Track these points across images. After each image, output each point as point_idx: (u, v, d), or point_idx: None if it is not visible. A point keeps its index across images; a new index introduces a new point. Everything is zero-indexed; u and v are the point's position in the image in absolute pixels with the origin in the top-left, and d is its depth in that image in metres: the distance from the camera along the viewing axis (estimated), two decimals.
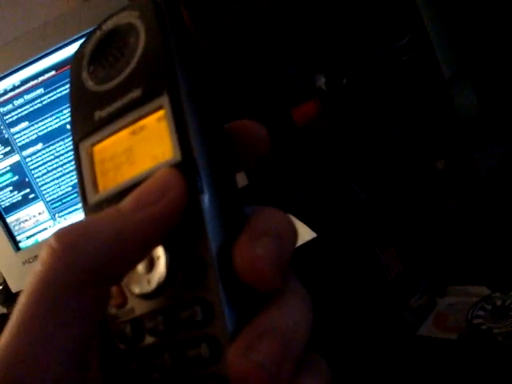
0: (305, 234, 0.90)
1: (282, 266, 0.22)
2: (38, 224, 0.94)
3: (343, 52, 1.26)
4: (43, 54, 0.90)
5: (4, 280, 0.97)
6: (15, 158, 0.92)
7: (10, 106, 0.91)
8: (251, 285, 0.22)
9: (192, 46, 0.24)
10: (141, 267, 0.23)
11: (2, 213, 0.93)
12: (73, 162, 0.26)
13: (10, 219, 0.94)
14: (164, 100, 0.23)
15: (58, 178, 0.92)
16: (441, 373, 0.92)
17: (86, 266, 0.20)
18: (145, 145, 0.24)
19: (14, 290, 0.94)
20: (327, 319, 0.85)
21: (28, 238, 0.94)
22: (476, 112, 1.40)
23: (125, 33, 0.25)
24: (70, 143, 0.26)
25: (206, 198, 0.22)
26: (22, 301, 0.20)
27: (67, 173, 0.92)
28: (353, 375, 0.88)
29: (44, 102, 0.91)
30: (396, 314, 1.05)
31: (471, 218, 1.20)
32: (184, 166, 0.22)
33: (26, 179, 0.92)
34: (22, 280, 0.93)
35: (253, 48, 1.23)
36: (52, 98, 0.91)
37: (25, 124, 0.91)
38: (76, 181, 0.26)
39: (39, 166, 0.92)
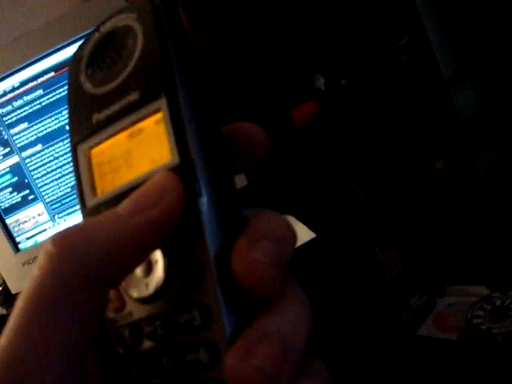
0: (304, 234, 0.90)
1: (281, 269, 0.22)
2: (38, 225, 0.94)
3: (342, 52, 1.26)
4: (42, 55, 0.90)
5: (3, 281, 0.97)
6: (15, 159, 0.92)
7: (9, 107, 0.91)
8: (250, 289, 0.21)
9: (190, 48, 0.24)
10: (139, 271, 0.23)
11: (2, 214, 0.93)
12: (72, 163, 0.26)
13: (9, 220, 0.94)
14: (162, 103, 0.23)
15: (57, 179, 0.92)
16: (441, 373, 0.92)
17: (83, 270, 0.20)
18: (143, 148, 0.23)
19: (13, 291, 0.94)
20: (326, 320, 0.85)
21: (28, 239, 0.94)
22: (475, 112, 1.40)
23: (123, 35, 0.25)
24: (70, 144, 0.26)
25: (204, 202, 0.22)
26: (19, 305, 0.20)
27: (67, 174, 0.92)
28: (353, 376, 0.88)
29: (43, 103, 0.91)
30: (395, 314, 1.05)
31: (470, 218, 1.20)
32: (182, 169, 0.22)
33: (26, 180, 0.92)
34: (22, 281, 0.93)
35: (252, 48, 1.23)
36: (51, 99, 0.91)
37: (24, 125, 0.91)
38: (75, 181, 0.26)
39: (39, 167, 0.92)
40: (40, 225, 0.94)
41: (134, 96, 0.23)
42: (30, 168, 0.92)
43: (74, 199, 0.92)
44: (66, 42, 0.90)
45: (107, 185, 0.24)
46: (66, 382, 0.20)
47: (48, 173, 0.92)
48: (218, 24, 1.13)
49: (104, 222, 0.21)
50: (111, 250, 0.21)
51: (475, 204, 1.21)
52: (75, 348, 0.20)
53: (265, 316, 0.21)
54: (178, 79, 0.23)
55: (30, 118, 0.91)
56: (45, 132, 0.91)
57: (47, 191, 0.92)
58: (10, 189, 0.92)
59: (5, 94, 0.91)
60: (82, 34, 0.89)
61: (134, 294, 0.23)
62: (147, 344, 0.23)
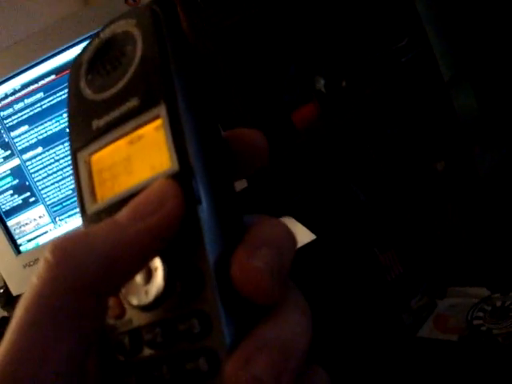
0: (304, 235, 0.90)
1: (281, 277, 0.22)
2: (39, 227, 0.94)
3: (342, 54, 1.26)
4: (43, 58, 0.90)
5: (5, 283, 0.97)
6: (15, 162, 0.92)
7: (10, 110, 0.91)
8: (250, 297, 0.21)
9: (190, 54, 0.24)
10: (139, 278, 0.23)
11: (3, 216, 0.94)
12: (72, 170, 0.26)
13: (10, 223, 0.94)
14: (161, 109, 0.23)
15: (58, 182, 0.92)
16: (441, 374, 0.92)
17: (82, 278, 0.20)
18: (142, 154, 0.23)
19: (14, 293, 0.95)
20: (327, 321, 0.86)
21: (29, 241, 0.95)
22: (475, 114, 1.40)
23: (122, 41, 0.25)
24: (70, 151, 0.26)
25: (203, 209, 0.22)
26: (18, 314, 0.20)
27: (67, 176, 0.92)
28: (353, 377, 0.88)
29: (44, 106, 0.91)
30: (396, 315, 1.05)
31: (471, 220, 1.21)
32: (181, 176, 0.22)
33: (27, 183, 0.92)
34: (23, 283, 0.93)
35: (252, 51, 1.23)
36: (52, 102, 0.91)
37: (25, 128, 0.91)
38: (75, 188, 0.26)
39: (39, 169, 0.92)
40: (41, 227, 0.94)
41: (133, 102, 0.23)
42: (31, 170, 0.92)
43: (74, 201, 0.92)
44: (66, 45, 0.90)
45: (107, 191, 0.24)
46: None
47: (49, 175, 0.92)
48: (217, 27, 1.14)
49: (103, 230, 0.21)
50: (110, 257, 0.20)
51: (475, 205, 1.21)
52: (74, 356, 0.20)
53: (265, 324, 0.21)
54: (177, 85, 0.23)
55: (31, 120, 0.91)
56: (45, 134, 0.91)
57: (48, 193, 0.92)
58: (10, 191, 0.93)
59: (6, 96, 0.91)
60: (82, 37, 0.89)
61: (134, 301, 0.23)
62: (147, 351, 0.22)
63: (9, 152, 0.92)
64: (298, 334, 0.22)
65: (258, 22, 1.20)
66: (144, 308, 0.23)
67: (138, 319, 0.23)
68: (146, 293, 0.22)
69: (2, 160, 0.92)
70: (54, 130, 0.91)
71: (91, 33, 0.88)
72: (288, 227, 0.23)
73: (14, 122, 0.91)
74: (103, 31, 0.26)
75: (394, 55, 1.23)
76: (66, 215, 0.93)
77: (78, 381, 0.20)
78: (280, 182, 1.15)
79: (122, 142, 0.24)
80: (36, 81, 0.91)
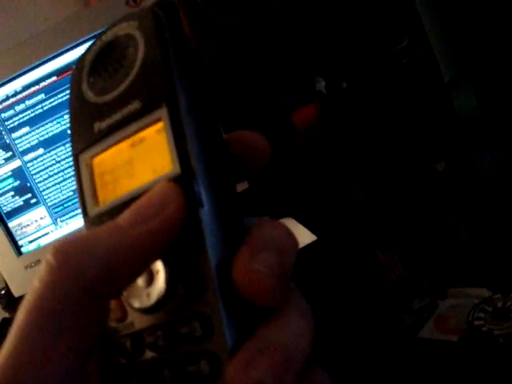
0: (305, 237, 0.90)
1: (283, 280, 0.22)
2: (40, 229, 0.94)
3: (343, 55, 1.26)
4: (44, 59, 0.90)
5: (6, 284, 0.97)
6: (17, 163, 0.92)
7: (11, 112, 0.91)
8: (251, 300, 0.21)
9: (192, 57, 0.24)
10: (140, 281, 0.23)
11: (4, 218, 0.94)
12: (74, 172, 0.26)
13: (11, 224, 0.94)
14: (162, 112, 0.23)
15: (59, 183, 0.92)
16: (442, 374, 0.92)
17: (83, 281, 0.20)
18: (144, 157, 0.23)
19: (16, 294, 0.95)
20: (328, 322, 0.86)
21: (30, 242, 0.95)
22: (476, 114, 1.40)
23: (124, 44, 0.25)
24: (71, 153, 0.26)
25: (205, 212, 0.22)
26: (19, 317, 0.20)
27: (68, 177, 0.92)
28: (354, 377, 0.88)
29: (45, 108, 0.91)
30: (397, 316, 1.05)
31: (471, 220, 1.21)
32: (183, 179, 0.22)
33: (28, 184, 0.93)
34: (24, 284, 0.93)
35: (253, 52, 1.24)
36: (53, 104, 0.91)
37: (26, 129, 0.91)
38: (77, 191, 0.26)
39: (40, 171, 0.92)
40: (42, 228, 0.94)
41: (135, 105, 0.23)
42: (32, 172, 0.92)
43: (75, 203, 0.93)
44: (68, 47, 0.90)
45: (109, 194, 0.24)
46: None
47: (50, 176, 0.92)
48: (218, 28, 1.14)
49: (105, 233, 0.21)
50: (112, 261, 0.20)
51: (476, 206, 1.21)
52: (76, 359, 0.20)
53: (266, 327, 0.21)
54: (179, 88, 0.23)
55: (32, 122, 0.91)
56: (46, 136, 0.91)
57: (49, 195, 0.93)
58: (12, 192, 0.93)
59: (7, 98, 0.91)
60: (83, 39, 0.89)
61: (136, 304, 0.23)
62: (149, 354, 0.22)
63: (10, 153, 0.92)
64: (299, 337, 0.21)
65: (258, 23, 1.20)
66: (146, 311, 0.23)
67: (139, 322, 0.23)
68: (148, 295, 0.22)
69: (4, 161, 0.92)
70: (55, 132, 0.91)
71: (92, 34, 0.88)
72: (289, 229, 0.23)
73: (16, 123, 0.91)
74: (105, 33, 0.26)
75: (395, 56, 1.23)
76: (67, 216, 0.94)
77: (79, 381, 0.20)
78: (281, 183, 1.15)
79: (123, 145, 0.24)
80: (37, 82, 0.91)
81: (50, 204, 0.93)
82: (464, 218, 1.22)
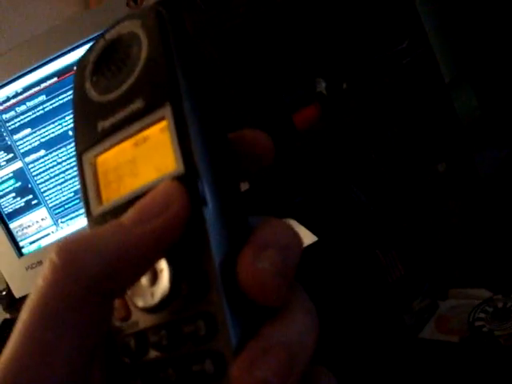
0: (306, 237, 0.90)
1: (287, 279, 0.22)
2: (41, 230, 0.94)
3: (343, 56, 1.26)
4: (45, 60, 0.91)
5: (7, 285, 0.97)
6: (18, 165, 0.92)
7: (12, 113, 0.92)
8: (255, 298, 0.21)
9: (195, 56, 0.24)
10: (144, 280, 0.23)
11: (5, 219, 0.94)
12: (75, 168, 0.26)
13: (13, 225, 0.94)
14: (166, 111, 0.23)
15: (60, 184, 0.92)
16: (443, 375, 0.92)
17: (87, 280, 0.20)
18: (148, 156, 0.23)
19: (17, 295, 0.95)
20: (329, 323, 0.86)
21: (31, 243, 0.95)
22: (476, 115, 1.40)
23: (127, 42, 0.25)
24: (72, 149, 0.26)
25: (209, 211, 0.22)
26: (23, 316, 0.20)
27: (69, 179, 0.92)
28: (355, 378, 0.88)
29: (46, 109, 0.91)
30: (398, 316, 1.05)
31: (472, 221, 1.21)
32: (187, 178, 0.22)
33: (29, 185, 0.93)
34: (25, 285, 0.93)
35: (254, 53, 1.24)
36: (54, 105, 0.91)
37: (27, 131, 0.91)
38: (78, 186, 0.26)
39: (42, 172, 0.92)
40: (43, 229, 0.94)
41: (138, 104, 0.23)
42: (34, 173, 0.92)
43: (77, 204, 0.93)
44: (68, 48, 0.90)
45: (112, 193, 0.24)
46: None
47: (51, 178, 0.92)
48: (219, 29, 1.14)
49: (108, 232, 0.21)
50: (115, 260, 0.21)
51: (477, 206, 1.21)
52: (79, 358, 0.20)
53: (270, 326, 0.21)
54: (182, 87, 0.23)
55: (33, 123, 0.91)
56: (48, 137, 0.91)
57: (50, 196, 0.93)
58: (13, 194, 0.93)
59: (8, 99, 0.92)
60: (84, 40, 0.90)
61: (140, 303, 0.23)
62: (153, 354, 0.22)
63: (11, 155, 0.92)
64: (304, 335, 0.22)
65: (258, 24, 1.20)
66: (150, 310, 0.23)
67: (143, 321, 0.23)
68: (152, 295, 0.22)
69: (5, 163, 0.92)
70: (56, 133, 0.91)
71: (93, 35, 0.88)
72: (293, 228, 0.23)
73: (17, 124, 0.91)
74: (108, 32, 0.26)
75: (395, 57, 1.23)
76: (68, 217, 0.94)
77: (82, 381, 0.21)
78: (281, 184, 1.15)
79: (127, 144, 0.24)
80: (38, 83, 0.91)
81: (51, 205, 0.93)
82: (465, 218, 1.22)
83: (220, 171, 0.23)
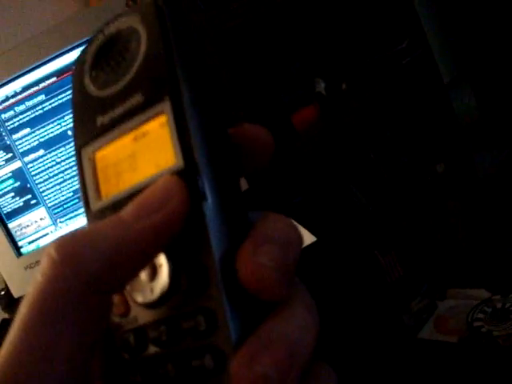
0: (305, 238, 0.90)
1: (287, 274, 0.22)
2: (40, 229, 0.94)
3: (342, 57, 1.26)
4: (44, 60, 0.91)
5: (6, 285, 0.97)
6: (17, 164, 0.92)
7: (11, 113, 0.91)
8: (255, 293, 0.21)
9: (195, 50, 0.24)
10: (144, 275, 0.23)
11: (4, 218, 0.94)
12: (74, 168, 0.26)
13: (11, 225, 0.94)
14: (165, 105, 0.22)
15: (59, 184, 0.92)
16: (441, 376, 0.92)
17: (86, 275, 0.20)
18: (147, 151, 0.23)
19: (15, 295, 0.95)
20: (328, 323, 0.86)
21: (30, 243, 0.95)
22: (475, 116, 1.40)
23: (126, 37, 0.25)
24: (72, 149, 0.26)
25: (208, 205, 0.22)
26: (22, 311, 0.20)
27: (68, 178, 0.92)
28: (353, 379, 0.88)
29: (45, 109, 0.91)
30: (396, 317, 1.05)
31: (471, 221, 1.21)
32: (186, 172, 0.22)
33: (28, 185, 0.93)
34: (24, 285, 0.93)
35: (253, 53, 1.24)
36: (53, 105, 0.91)
37: (26, 130, 0.91)
38: (77, 186, 0.26)
39: (41, 172, 0.92)
40: (42, 229, 0.94)
41: (138, 99, 0.23)
42: (33, 173, 0.92)
43: (76, 203, 0.93)
44: (67, 48, 0.90)
45: (112, 188, 0.24)
46: None
47: (50, 177, 0.92)
48: (218, 29, 1.14)
49: (107, 227, 0.21)
50: (114, 254, 0.20)
51: (476, 207, 1.21)
52: (78, 354, 0.20)
53: (271, 321, 0.21)
54: (182, 81, 0.22)
55: (32, 123, 0.91)
56: (47, 137, 0.91)
57: (49, 196, 0.93)
58: (12, 193, 0.93)
59: (7, 99, 0.91)
60: (83, 40, 0.90)
61: (139, 298, 0.23)
62: (152, 349, 0.22)
63: (10, 154, 0.92)
64: (304, 331, 0.21)
65: (258, 24, 1.20)
66: (149, 305, 0.23)
67: (143, 317, 0.23)
68: (151, 290, 0.22)
69: (4, 162, 0.92)
70: (55, 133, 0.91)
71: (92, 35, 0.88)
72: (293, 223, 0.23)
73: (16, 124, 0.91)
74: (107, 27, 0.26)
75: (394, 57, 1.23)
76: (67, 217, 0.94)
77: (81, 380, 0.20)
78: (280, 185, 1.15)
79: (126, 139, 0.24)
80: (37, 83, 0.91)
81: (49, 205, 0.93)
82: (463, 219, 1.22)
83: (220, 166, 0.23)
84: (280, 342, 0.20)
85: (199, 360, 0.21)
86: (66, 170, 0.92)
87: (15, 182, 0.92)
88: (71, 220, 0.93)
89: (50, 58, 0.90)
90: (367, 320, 0.98)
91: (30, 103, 0.91)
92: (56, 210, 0.93)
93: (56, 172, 0.92)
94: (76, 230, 0.22)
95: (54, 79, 0.91)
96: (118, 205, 0.23)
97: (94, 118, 0.25)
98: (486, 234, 1.16)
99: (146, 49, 0.24)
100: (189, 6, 0.25)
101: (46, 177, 0.92)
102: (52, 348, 0.19)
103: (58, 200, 0.93)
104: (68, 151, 0.91)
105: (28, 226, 0.94)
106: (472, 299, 1.02)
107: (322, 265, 0.94)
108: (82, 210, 0.25)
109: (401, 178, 1.25)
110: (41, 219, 0.94)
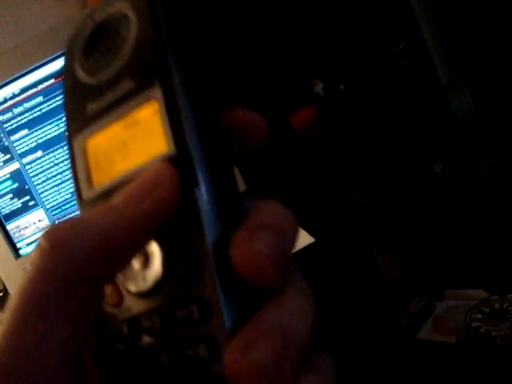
0: (303, 238, 0.90)
1: (282, 261, 0.21)
2: (38, 231, 0.94)
3: (340, 58, 1.27)
4: (42, 62, 0.91)
5: (4, 287, 0.97)
6: (15, 166, 0.92)
7: (9, 114, 0.91)
8: (250, 281, 0.21)
9: (187, 35, 0.23)
10: (136, 264, 0.22)
11: (2, 220, 0.94)
12: (68, 155, 0.25)
13: (10, 226, 0.94)
14: (156, 91, 0.22)
15: (57, 185, 0.92)
16: (440, 376, 0.92)
17: (75, 263, 0.20)
18: (138, 138, 0.23)
19: None
20: (326, 324, 0.86)
21: (28, 245, 0.95)
22: (473, 116, 1.40)
23: (116, 23, 0.24)
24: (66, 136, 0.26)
25: (201, 192, 0.21)
26: (12, 302, 0.20)
27: (67, 180, 0.92)
28: (353, 379, 0.88)
29: (43, 110, 0.91)
30: (395, 318, 1.05)
31: (469, 222, 1.21)
32: (178, 159, 0.21)
33: (26, 186, 0.93)
34: None
35: (251, 54, 1.24)
36: (51, 106, 0.91)
37: (24, 132, 0.91)
38: (71, 173, 0.25)
39: (39, 173, 0.92)
40: (40, 231, 0.94)
41: (128, 85, 0.23)
42: (31, 174, 0.92)
43: (74, 205, 0.93)
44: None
45: (103, 176, 0.24)
46: (61, 378, 0.19)
47: (48, 179, 0.92)
48: (216, 30, 1.14)
49: (98, 215, 0.21)
50: (104, 242, 0.20)
51: (473, 207, 1.22)
52: (70, 344, 0.20)
53: (266, 309, 0.21)
54: (173, 67, 0.22)
55: (31, 124, 0.91)
56: (45, 138, 0.91)
57: (48, 197, 0.93)
58: (10, 195, 0.93)
59: (5, 100, 0.91)
60: None
61: (132, 287, 0.22)
62: (146, 339, 0.22)
63: (8, 156, 0.92)
64: (300, 318, 0.21)
65: (256, 25, 1.20)
66: (142, 295, 0.22)
67: (136, 307, 0.23)
68: (144, 279, 0.22)
69: (2, 164, 0.92)
70: (53, 134, 0.91)
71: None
72: (289, 210, 0.23)
73: (14, 125, 0.91)
74: (97, 12, 0.25)
75: (392, 58, 1.24)
76: (65, 219, 0.93)
77: (75, 370, 0.20)
78: (278, 185, 1.15)
79: (117, 126, 0.23)
80: (35, 85, 0.91)
81: (48, 206, 0.93)
82: (461, 219, 1.22)
83: (212, 152, 0.22)
84: (275, 329, 0.20)
85: (193, 349, 0.20)
86: (64, 171, 0.92)
87: (13, 183, 0.92)
88: None
89: (47, 59, 0.91)
90: (366, 321, 0.98)
91: (28, 105, 0.91)
92: (54, 212, 0.93)
93: (54, 173, 0.92)
94: (66, 219, 0.21)
95: (52, 81, 0.91)
96: (109, 193, 0.23)
97: (85, 105, 0.24)
98: (483, 235, 1.16)
99: (136, 34, 0.23)
100: (187, 7, 0.24)
101: (45, 178, 0.92)
102: (43, 337, 0.19)
103: (57, 201, 0.93)
104: (66, 152, 0.91)
105: (26, 227, 0.94)
106: (470, 299, 1.02)
107: (321, 265, 0.95)
108: (76, 198, 0.25)
109: (399, 179, 1.25)
110: (39, 221, 0.94)
